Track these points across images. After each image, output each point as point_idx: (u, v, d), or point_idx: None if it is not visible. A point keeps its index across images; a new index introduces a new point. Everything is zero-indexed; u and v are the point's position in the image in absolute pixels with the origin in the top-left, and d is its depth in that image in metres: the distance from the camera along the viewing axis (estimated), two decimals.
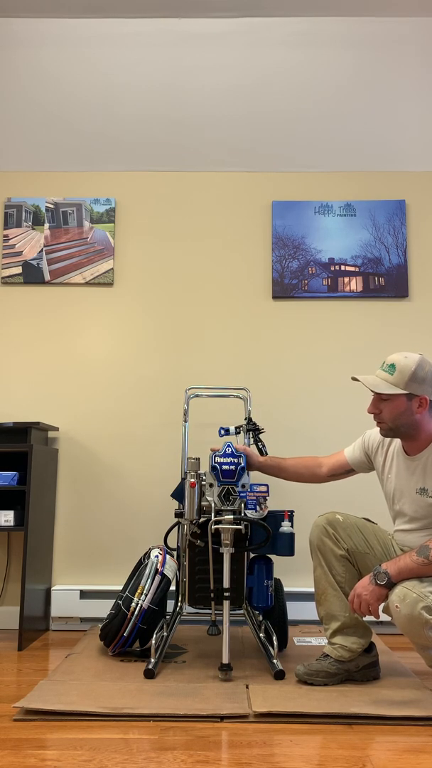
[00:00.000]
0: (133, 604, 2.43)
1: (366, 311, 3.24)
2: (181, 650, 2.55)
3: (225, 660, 2.15)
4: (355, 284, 3.23)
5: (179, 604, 2.50)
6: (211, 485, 2.34)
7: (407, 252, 3.25)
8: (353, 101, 3.18)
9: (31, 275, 3.25)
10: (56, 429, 3.11)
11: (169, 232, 3.32)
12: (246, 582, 2.40)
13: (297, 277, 3.24)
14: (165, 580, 2.48)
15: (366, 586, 1.98)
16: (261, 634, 2.42)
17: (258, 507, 2.30)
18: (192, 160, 3.32)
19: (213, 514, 2.26)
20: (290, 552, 2.35)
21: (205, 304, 3.26)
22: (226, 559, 2.18)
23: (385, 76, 3.12)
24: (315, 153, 3.30)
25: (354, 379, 2.15)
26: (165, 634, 2.40)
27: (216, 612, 2.38)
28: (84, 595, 2.97)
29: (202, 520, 2.32)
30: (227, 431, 2.62)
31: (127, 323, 3.25)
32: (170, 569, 2.52)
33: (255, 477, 2.53)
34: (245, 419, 2.83)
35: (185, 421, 2.94)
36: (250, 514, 2.29)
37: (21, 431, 2.90)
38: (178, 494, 2.49)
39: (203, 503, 2.31)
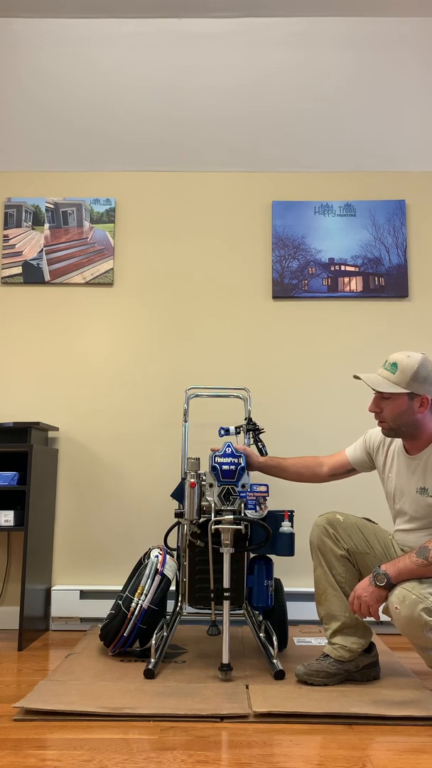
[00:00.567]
0: (133, 604, 2.43)
1: (366, 311, 3.24)
2: (181, 650, 2.55)
3: (225, 660, 2.15)
4: (355, 284, 3.23)
5: (179, 604, 2.50)
6: (211, 485, 2.34)
7: (407, 252, 3.25)
8: (353, 101, 3.18)
9: (31, 275, 3.25)
10: (56, 429, 3.12)
11: (169, 232, 3.32)
12: (246, 582, 2.40)
13: (297, 277, 3.24)
14: (165, 580, 2.48)
15: (366, 588, 1.98)
16: (261, 634, 2.42)
17: (258, 507, 2.30)
18: (192, 160, 3.32)
19: (213, 514, 2.26)
20: (290, 552, 2.35)
21: (205, 304, 3.26)
22: (226, 559, 2.18)
23: (385, 76, 3.12)
24: (315, 153, 3.30)
25: (356, 377, 2.15)
26: (165, 634, 2.40)
27: (216, 612, 2.38)
28: (84, 595, 2.97)
29: (202, 520, 2.32)
30: (227, 431, 2.62)
31: (127, 323, 3.26)
32: (170, 569, 2.52)
33: (255, 477, 2.53)
34: (245, 419, 2.83)
35: (185, 421, 2.94)
36: (250, 514, 2.29)
37: (21, 431, 2.90)
38: (178, 494, 2.49)
39: (203, 503, 2.31)
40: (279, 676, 2.17)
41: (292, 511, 2.39)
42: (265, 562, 2.41)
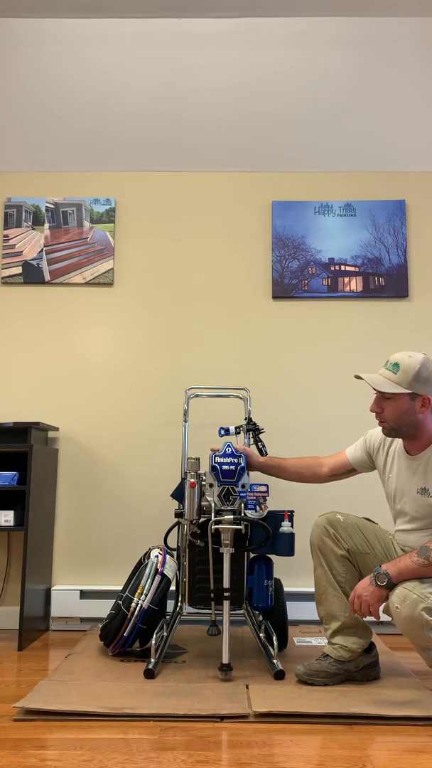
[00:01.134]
0: (133, 604, 2.43)
1: (366, 311, 3.24)
2: (181, 650, 2.55)
3: (225, 660, 2.15)
4: (355, 284, 3.23)
5: (179, 604, 2.50)
6: (211, 485, 2.34)
7: (407, 252, 3.25)
8: (353, 101, 3.18)
9: (31, 275, 3.25)
10: (56, 429, 3.11)
11: (169, 232, 3.32)
12: (246, 582, 2.40)
13: (297, 277, 3.24)
14: (165, 580, 2.48)
15: (366, 587, 1.98)
16: (261, 634, 2.42)
17: (258, 507, 2.30)
18: (192, 160, 3.32)
19: (213, 514, 2.26)
20: (290, 552, 2.35)
21: (205, 304, 3.26)
22: (226, 559, 2.18)
23: (385, 76, 3.12)
24: (315, 153, 3.30)
25: (357, 377, 2.15)
26: (165, 634, 2.40)
27: (216, 612, 2.38)
28: (84, 595, 2.97)
29: (202, 520, 2.32)
30: (227, 431, 2.62)
31: (127, 323, 3.25)
32: (170, 569, 2.52)
33: (255, 477, 2.53)
34: (245, 419, 2.83)
35: (185, 421, 2.94)
36: (250, 514, 2.29)
37: (21, 431, 2.90)
38: (178, 494, 2.49)
39: (203, 503, 2.31)
40: (279, 676, 2.17)
41: (292, 511, 2.39)
42: (265, 562, 2.41)
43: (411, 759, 1.60)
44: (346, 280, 3.23)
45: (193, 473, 2.33)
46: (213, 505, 2.28)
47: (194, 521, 2.31)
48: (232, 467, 2.31)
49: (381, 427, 2.18)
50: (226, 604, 2.16)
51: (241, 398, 3.09)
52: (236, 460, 2.32)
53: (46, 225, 3.29)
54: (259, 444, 2.69)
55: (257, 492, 2.31)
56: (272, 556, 2.43)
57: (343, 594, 2.17)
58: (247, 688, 2.07)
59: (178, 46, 3.07)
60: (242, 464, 2.33)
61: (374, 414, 2.15)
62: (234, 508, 2.26)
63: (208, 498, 2.32)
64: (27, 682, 2.19)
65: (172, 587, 2.57)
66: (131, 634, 2.42)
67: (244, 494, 2.31)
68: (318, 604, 2.23)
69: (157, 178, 3.35)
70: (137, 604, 2.43)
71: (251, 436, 2.72)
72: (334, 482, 2.47)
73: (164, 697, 1.99)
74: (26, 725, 1.80)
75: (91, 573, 3.09)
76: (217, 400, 3.15)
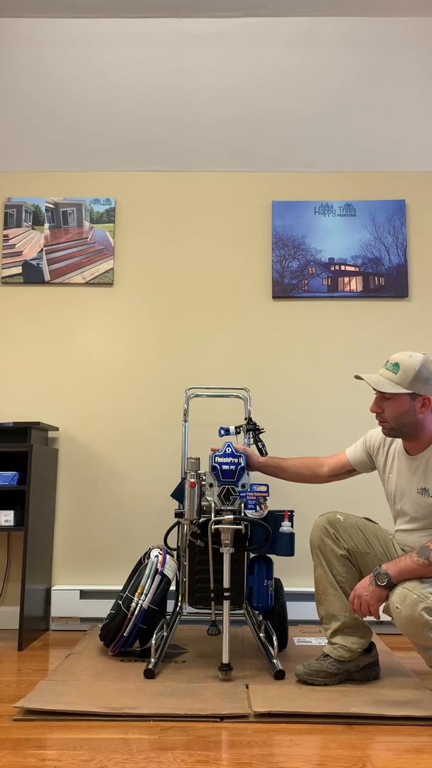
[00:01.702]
0: (133, 604, 2.43)
1: (366, 311, 3.24)
2: (181, 650, 2.55)
3: (225, 660, 2.15)
4: (355, 284, 3.23)
5: (179, 604, 2.50)
6: (211, 485, 2.34)
7: (407, 252, 3.25)
8: (353, 101, 3.18)
9: (31, 275, 3.25)
10: (56, 429, 3.11)
11: (169, 232, 3.32)
12: (246, 582, 2.40)
13: (297, 277, 3.24)
14: (165, 580, 2.48)
15: (366, 587, 1.97)
16: (261, 634, 2.42)
17: (258, 507, 2.30)
18: (192, 160, 3.32)
19: (213, 514, 2.26)
20: (290, 552, 2.35)
21: (206, 304, 3.26)
22: (226, 559, 2.18)
23: (385, 75, 3.12)
24: (315, 153, 3.30)
25: (357, 377, 2.15)
26: (165, 634, 2.40)
27: (216, 612, 2.38)
28: (84, 595, 2.97)
29: (202, 520, 2.31)
30: (227, 431, 2.62)
31: (127, 323, 3.25)
32: (170, 569, 2.52)
33: (255, 477, 2.53)
34: (245, 419, 2.83)
35: (185, 421, 2.94)
36: (250, 514, 2.29)
37: (21, 431, 2.90)
38: (178, 494, 2.49)
39: (203, 503, 2.31)
40: (279, 676, 2.17)
41: (292, 511, 2.39)
42: (265, 562, 2.41)
43: (411, 759, 1.60)
44: (346, 280, 3.23)
45: (193, 473, 2.33)
46: (213, 505, 2.28)
47: (194, 521, 2.31)
48: (232, 467, 2.31)
49: (381, 428, 2.18)
50: (226, 604, 2.16)
51: (241, 398, 3.09)
52: (236, 460, 2.32)
53: (46, 225, 3.29)
54: (259, 444, 2.69)
55: (257, 492, 2.31)
56: (272, 556, 2.43)
57: (343, 594, 2.17)
58: (247, 688, 2.07)
59: (178, 46, 3.07)
60: (242, 464, 2.33)
61: (374, 414, 2.15)
62: (234, 508, 2.26)
63: (208, 498, 2.32)
64: (27, 682, 2.19)
65: (172, 587, 2.57)
66: (131, 634, 2.42)
67: (244, 494, 2.31)
68: (318, 604, 2.23)
69: (157, 178, 3.35)
70: (137, 604, 2.43)
71: (251, 436, 2.72)
72: (334, 482, 2.47)
73: (164, 697, 1.99)
74: (26, 725, 1.80)
75: (91, 573, 3.09)
76: (217, 400, 3.15)
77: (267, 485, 2.34)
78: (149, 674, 2.19)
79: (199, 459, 2.38)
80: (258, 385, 3.18)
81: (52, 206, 3.30)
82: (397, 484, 2.20)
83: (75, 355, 3.23)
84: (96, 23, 3.03)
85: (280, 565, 2.89)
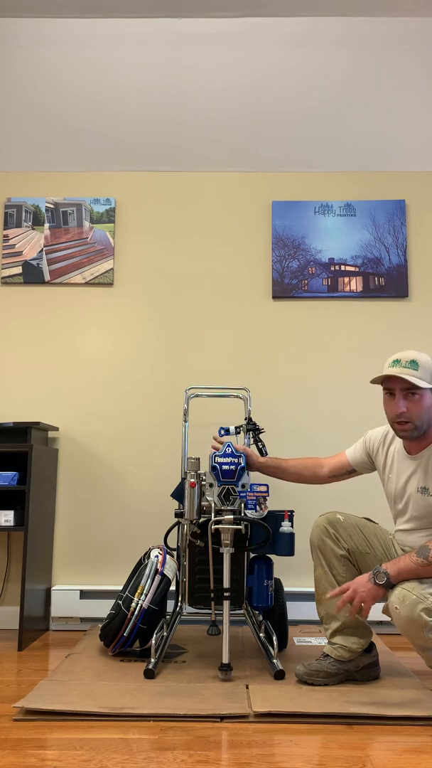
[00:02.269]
0: (133, 604, 2.43)
1: (366, 311, 3.24)
2: (181, 650, 2.55)
3: (225, 660, 2.15)
4: (355, 284, 3.23)
5: (179, 604, 2.50)
6: (211, 485, 2.34)
7: (407, 252, 3.25)
8: (353, 101, 3.18)
9: (31, 275, 3.25)
10: (56, 429, 3.12)
11: (169, 232, 3.32)
12: (246, 582, 2.40)
13: (297, 277, 3.24)
14: (165, 580, 2.48)
15: (365, 584, 1.97)
16: (261, 634, 2.42)
17: (258, 507, 2.30)
18: (192, 160, 3.32)
19: (213, 514, 2.26)
20: (290, 552, 2.35)
21: (206, 304, 3.26)
22: (226, 559, 2.18)
23: (385, 76, 3.12)
24: (315, 153, 3.30)
25: (386, 377, 2.05)
26: (165, 634, 2.40)
27: (216, 612, 2.38)
28: (84, 595, 2.97)
29: (202, 520, 2.31)
30: (227, 431, 2.62)
31: (127, 323, 3.25)
32: (170, 569, 2.52)
33: (255, 477, 2.53)
34: (245, 419, 2.83)
35: (185, 421, 2.94)
36: (250, 514, 2.29)
37: (21, 431, 2.90)
38: (178, 494, 2.49)
39: (203, 503, 2.31)
40: (279, 676, 2.17)
41: (292, 511, 2.39)
42: (265, 562, 2.41)
43: (411, 759, 1.60)
44: (346, 280, 3.23)
45: (193, 473, 2.33)
46: (213, 505, 2.28)
47: (194, 521, 2.31)
48: (232, 467, 2.31)
49: (402, 431, 2.09)
50: (226, 604, 2.16)
51: (241, 398, 3.09)
52: (236, 460, 2.32)
53: (46, 225, 3.29)
54: (259, 444, 2.69)
55: (257, 492, 2.31)
56: (272, 556, 2.43)
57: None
58: (247, 688, 2.08)
59: (178, 46, 3.07)
60: (242, 464, 2.33)
61: (394, 417, 2.06)
62: (234, 508, 2.26)
63: (208, 498, 2.32)
64: (27, 682, 2.19)
65: (172, 587, 2.57)
66: (131, 634, 2.42)
67: (244, 494, 2.31)
68: (318, 604, 2.23)
69: (157, 178, 3.35)
70: (137, 604, 2.43)
71: (251, 436, 2.72)
72: (334, 482, 2.46)
73: (164, 697, 1.99)
74: (26, 725, 1.80)
75: (91, 573, 3.09)
76: (217, 400, 3.15)
77: (267, 485, 2.34)
78: (149, 674, 2.19)
79: (199, 459, 2.38)
80: (258, 385, 3.18)
81: (52, 206, 3.30)
82: (397, 483, 2.20)
83: (75, 355, 3.23)
84: (96, 23, 3.03)
85: (280, 565, 2.89)
